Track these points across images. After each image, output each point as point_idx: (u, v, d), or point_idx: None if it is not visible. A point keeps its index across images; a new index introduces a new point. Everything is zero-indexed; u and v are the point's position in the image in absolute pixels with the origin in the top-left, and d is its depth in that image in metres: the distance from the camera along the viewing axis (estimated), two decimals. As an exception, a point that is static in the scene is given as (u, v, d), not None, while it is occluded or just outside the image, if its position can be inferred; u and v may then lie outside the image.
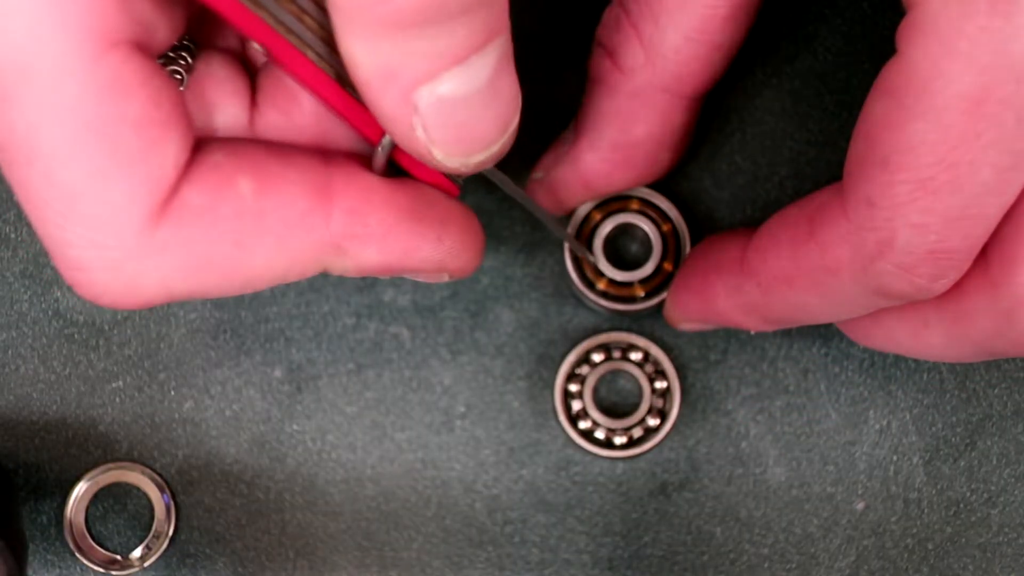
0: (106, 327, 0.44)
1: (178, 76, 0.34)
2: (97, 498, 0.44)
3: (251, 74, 0.36)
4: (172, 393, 0.44)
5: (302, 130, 0.35)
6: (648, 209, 0.43)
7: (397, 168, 0.35)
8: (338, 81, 0.32)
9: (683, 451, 0.44)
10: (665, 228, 0.43)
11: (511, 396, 0.44)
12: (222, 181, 0.32)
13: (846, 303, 0.37)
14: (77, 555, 0.44)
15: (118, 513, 0.44)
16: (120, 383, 0.44)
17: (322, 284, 0.44)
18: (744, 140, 0.44)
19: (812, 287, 0.37)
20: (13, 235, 0.44)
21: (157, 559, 0.44)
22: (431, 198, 0.35)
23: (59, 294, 0.44)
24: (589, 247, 0.43)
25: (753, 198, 0.44)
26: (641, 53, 0.39)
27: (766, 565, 0.44)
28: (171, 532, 0.44)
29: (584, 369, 0.43)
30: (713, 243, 0.41)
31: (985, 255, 0.36)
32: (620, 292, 0.43)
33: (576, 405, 0.43)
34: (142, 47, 0.31)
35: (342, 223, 0.33)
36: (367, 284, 0.44)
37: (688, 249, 0.43)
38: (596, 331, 0.44)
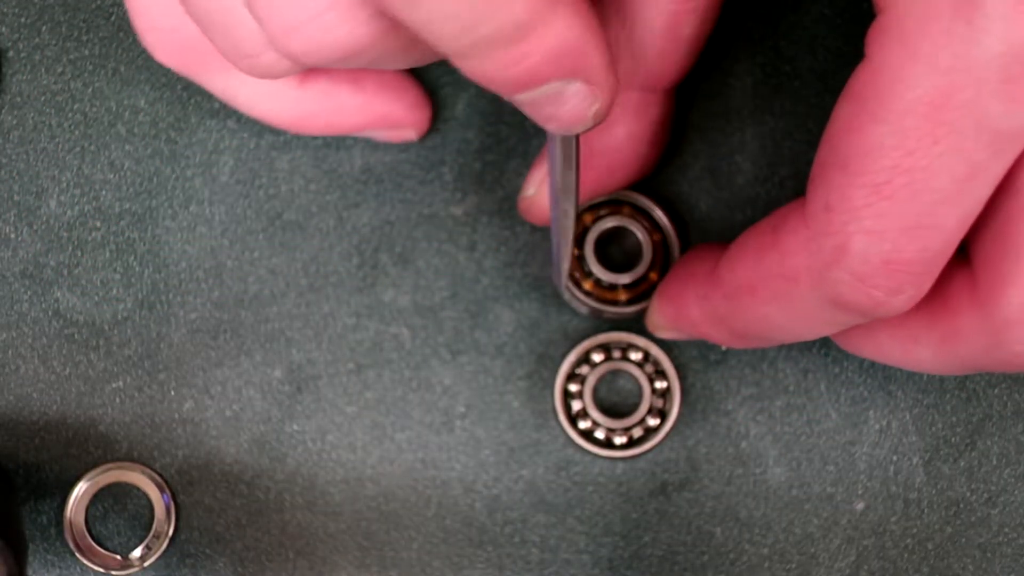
0: (106, 327, 0.44)
1: None
2: (97, 498, 0.44)
3: None
4: (172, 393, 0.44)
5: None
6: (640, 216, 0.43)
7: None
8: None
9: (683, 451, 0.44)
10: (655, 238, 0.43)
11: (511, 396, 0.44)
12: None
13: (807, 316, 0.36)
14: (77, 555, 0.44)
15: (118, 513, 0.44)
16: (120, 383, 0.44)
17: (322, 284, 0.44)
18: (744, 140, 0.44)
19: (773, 297, 0.37)
20: (13, 235, 0.44)
21: (157, 559, 0.44)
22: None
23: (59, 294, 0.44)
24: (580, 247, 0.43)
25: (753, 198, 0.44)
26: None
27: (766, 565, 0.44)
28: (171, 532, 0.44)
29: (584, 369, 0.43)
30: (693, 253, 0.41)
31: (973, 273, 0.36)
32: (604, 295, 0.43)
33: (576, 405, 0.43)
34: None
35: None
36: (367, 284, 0.44)
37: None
38: (596, 331, 0.44)
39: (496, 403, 0.44)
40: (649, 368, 0.44)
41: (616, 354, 0.44)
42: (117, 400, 0.44)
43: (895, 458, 0.44)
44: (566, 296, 0.43)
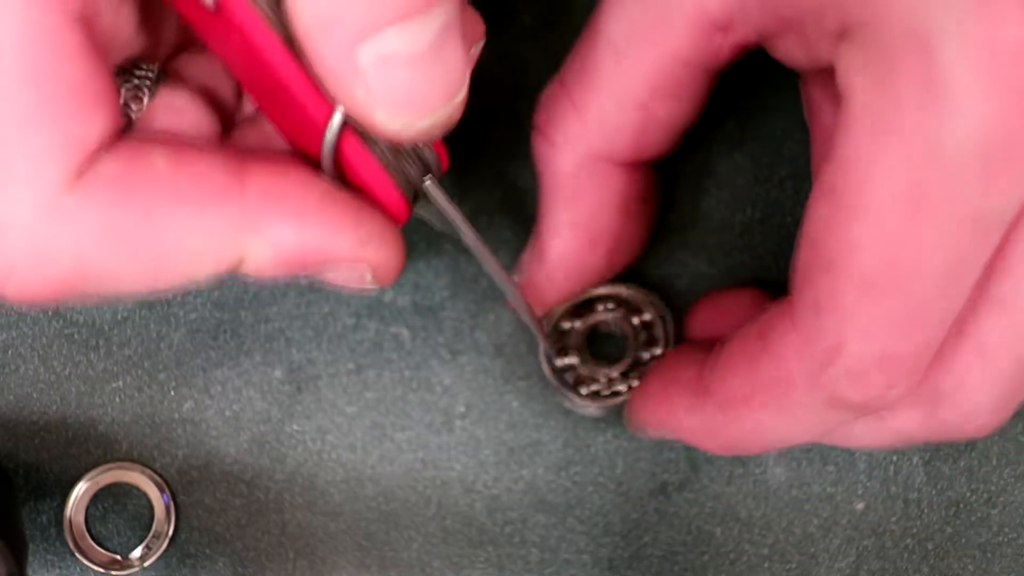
0: (106, 327, 0.44)
1: (140, 94, 0.35)
2: (97, 498, 0.44)
3: (228, 119, 0.36)
4: (172, 393, 0.44)
5: None
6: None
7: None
8: (286, 43, 0.32)
9: (683, 451, 0.44)
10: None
11: (511, 396, 0.44)
12: (137, 153, 0.32)
13: (804, 420, 0.36)
14: (77, 555, 0.44)
15: (118, 513, 0.44)
16: (120, 383, 0.44)
17: (322, 284, 0.44)
18: (744, 140, 0.44)
19: (768, 404, 0.36)
20: (13, 235, 0.44)
21: (157, 559, 0.44)
22: (348, 190, 0.34)
23: (59, 294, 0.44)
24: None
25: (753, 198, 0.44)
26: (576, 122, 0.39)
27: (766, 565, 0.44)
28: (171, 532, 0.44)
29: (564, 340, 0.43)
30: (675, 357, 0.40)
31: (791, 306, 0.35)
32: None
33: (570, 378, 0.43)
34: (88, 23, 0.32)
35: (257, 198, 0.33)
36: (367, 284, 0.44)
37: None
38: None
39: (496, 403, 0.44)
40: (623, 309, 0.43)
41: (586, 312, 0.43)
42: (117, 400, 0.44)
43: (895, 458, 0.44)
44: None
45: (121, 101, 0.34)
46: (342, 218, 0.34)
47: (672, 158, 0.43)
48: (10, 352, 0.44)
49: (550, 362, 0.43)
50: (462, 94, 0.33)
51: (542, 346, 0.42)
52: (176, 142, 0.33)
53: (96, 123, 0.32)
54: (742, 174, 0.44)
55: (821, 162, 0.39)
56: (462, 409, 0.44)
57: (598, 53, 0.38)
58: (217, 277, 0.33)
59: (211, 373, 0.44)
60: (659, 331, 0.43)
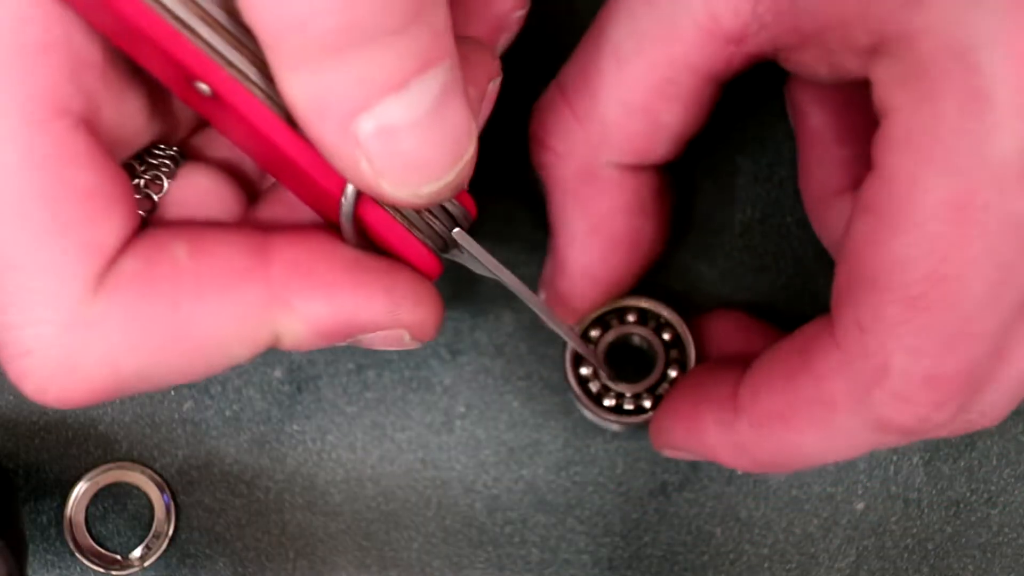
0: (106, 327, 0.44)
1: (159, 178, 0.34)
2: (97, 498, 0.44)
3: (252, 188, 0.36)
4: (172, 393, 0.44)
5: None
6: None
7: (378, 250, 0.34)
8: (287, 123, 0.31)
9: (683, 451, 0.44)
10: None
11: (511, 396, 0.44)
12: (157, 248, 0.32)
13: (845, 441, 0.35)
14: (77, 555, 0.44)
15: (118, 513, 0.44)
16: (120, 383, 0.44)
17: (322, 284, 0.44)
18: (744, 140, 0.44)
19: (808, 424, 0.35)
20: (13, 235, 0.44)
21: (157, 559, 0.44)
22: (375, 255, 0.34)
23: (59, 294, 0.44)
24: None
25: (753, 198, 0.44)
26: (577, 129, 0.38)
27: (766, 565, 0.44)
28: (171, 532, 0.44)
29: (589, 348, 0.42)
30: (705, 372, 0.40)
31: (832, 326, 0.34)
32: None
33: (594, 386, 0.42)
34: (91, 124, 0.31)
35: (283, 275, 0.32)
36: (367, 284, 0.44)
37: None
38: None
39: (496, 403, 0.44)
40: (652, 324, 0.43)
41: (614, 323, 0.43)
42: (117, 400, 0.44)
43: (895, 458, 0.44)
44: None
45: (140, 188, 0.34)
46: (372, 285, 0.33)
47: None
48: (10, 352, 0.44)
49: (576, 373, 0.42)
50: (470, 151, 0.32)
51: (583, 362, 0.42)
52: (196, 229, 0.33)
53: (111, 228, 0.31)
54: (742, 174, 0.44)
55: (815, 167, 0.39)
56: (462, 409, 0.44)
57: (600, 58, 0.37)
58: (255, 356, 0.33)
59: (211, 373, 0.44)
60: (688, 350, 0.42)
